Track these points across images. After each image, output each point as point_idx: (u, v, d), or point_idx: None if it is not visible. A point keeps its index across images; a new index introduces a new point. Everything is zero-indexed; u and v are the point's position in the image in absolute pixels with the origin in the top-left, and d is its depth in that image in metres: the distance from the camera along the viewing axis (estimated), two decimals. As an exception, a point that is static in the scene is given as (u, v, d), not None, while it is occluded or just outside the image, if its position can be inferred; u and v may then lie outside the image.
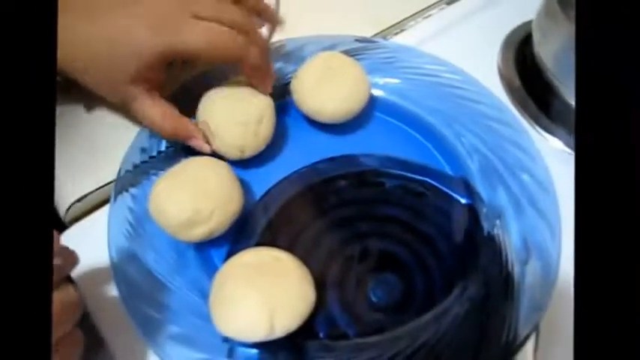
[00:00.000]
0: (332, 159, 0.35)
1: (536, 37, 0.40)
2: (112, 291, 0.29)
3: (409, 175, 0.34)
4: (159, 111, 0.32)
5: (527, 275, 0.28)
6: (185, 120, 0.33)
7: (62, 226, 0.34)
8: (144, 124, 0.34)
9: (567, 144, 0.37)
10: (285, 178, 0.34)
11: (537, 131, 0.38)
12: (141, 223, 0.31)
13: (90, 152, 0.36)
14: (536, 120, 0.39)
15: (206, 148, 0.33)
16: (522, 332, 0.26)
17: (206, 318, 0.27)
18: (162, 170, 0.33)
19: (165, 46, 0.30)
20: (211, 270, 0.29)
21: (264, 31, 0.44)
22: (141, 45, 0.30)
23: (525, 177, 0.32)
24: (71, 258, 0.25)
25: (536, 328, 0.27)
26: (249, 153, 0.33)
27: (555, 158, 0.35)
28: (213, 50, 0.30)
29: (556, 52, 0.37)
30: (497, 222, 0.30)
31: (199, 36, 0.30)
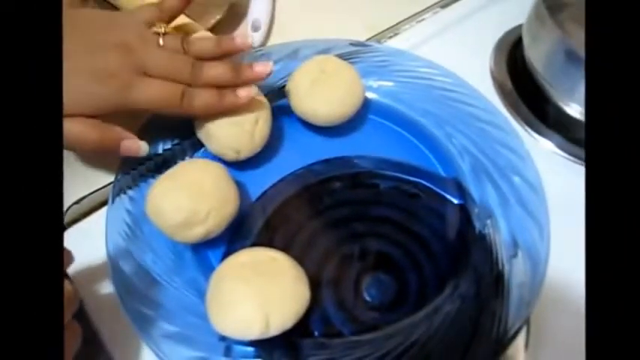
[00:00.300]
0: (327, 161, 0.36)
1: (526, 41, 0.41)
2: (111, 292, 0.30)
3: (403, 176, 0.35)
4: (80, 124, 0.30)
5: (516, 273, 0.28)
6: (111, 126, 0.31)
7: (61, 228, 0.34)
8: (66, 145, 0.31)
9: (558, 145, 0.38)
10: (280, 180, 0.35)
11: (528, 133, 0.39)
12: (138, 224, 0.31)
13: (88, 154, 0.37)
14: (527, 122, 0.39)
15: (142, 148, 0.32)
16: (512, 328, 0.27)
17: (203, 317, 0.27)
18: (159, 172, 0.33)
19: (114, 103, 0.30)
20: (208, 270, 0.29)
21: (257, 35, 0.44)
22: (81, 95, 0.29)
23: (515, 178, 0.32)
24: (66, 256, 0.26)
25: (526, 323, 0.27)
26: (244, 154, 0.34)
27: (546, 160, 0.35)
28: (160, 108, 0.31)
29: (545, 56, 0.38)
30: (488, 221, 0.31)
31: (146, 94, 0.30)
